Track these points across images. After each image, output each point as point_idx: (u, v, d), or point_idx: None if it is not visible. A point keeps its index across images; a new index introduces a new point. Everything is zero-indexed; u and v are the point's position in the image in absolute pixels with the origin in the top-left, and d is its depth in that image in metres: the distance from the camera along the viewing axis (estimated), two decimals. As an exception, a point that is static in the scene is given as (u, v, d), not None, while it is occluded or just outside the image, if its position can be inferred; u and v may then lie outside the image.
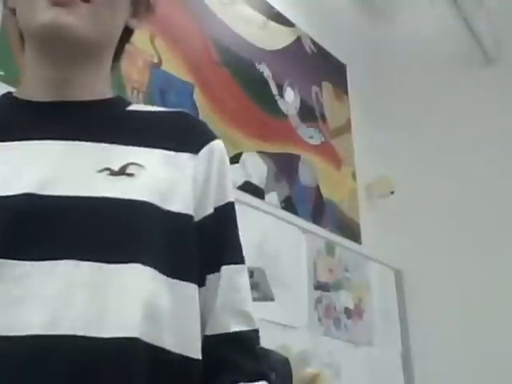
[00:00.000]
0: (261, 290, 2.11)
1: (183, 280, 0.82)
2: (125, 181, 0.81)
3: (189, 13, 3.07)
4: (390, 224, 4.09)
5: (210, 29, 3.17)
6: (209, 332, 0.85)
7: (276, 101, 3.51)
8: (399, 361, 3.86)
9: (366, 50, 4.55)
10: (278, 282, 2.90)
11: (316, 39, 4.04)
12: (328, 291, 3.39)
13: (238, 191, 2.99)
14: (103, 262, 0.74)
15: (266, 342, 2.10)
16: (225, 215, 0.92)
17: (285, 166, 3.39)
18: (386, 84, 4.49)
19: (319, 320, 3.25)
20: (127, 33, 1.01)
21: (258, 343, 0.90)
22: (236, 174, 3.02)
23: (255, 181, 3.14)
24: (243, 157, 3.11)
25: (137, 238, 0.78)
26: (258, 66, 3.44)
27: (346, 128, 4.11)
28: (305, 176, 3.53)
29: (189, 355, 0.80)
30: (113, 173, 0.81)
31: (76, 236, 0.76)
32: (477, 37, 4.05)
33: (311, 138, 3.71)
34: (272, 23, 3.68)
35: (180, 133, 0.92)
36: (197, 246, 0.85)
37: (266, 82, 3.47)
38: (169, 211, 0.82)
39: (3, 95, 0.97)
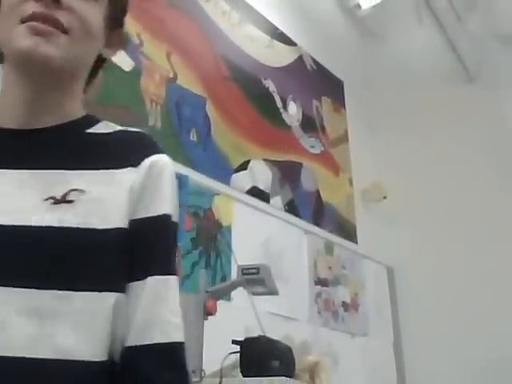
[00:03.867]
0: (266, 285, 2.06)
1: (109, 291, 0.76)
2: (63, 208, 0.76)
3: (201, 33, 3.05)
4: (383, 225, 4.10)
5: (220, 47, 3.14)
6: (129, 343, 0.76)
7: (280, 113, 3.48)
8: (391, 349, 3.85)
9: (362, 68, 4.53)
10: (281, 278, 2.87)
11: (316, 58, 4.02)
12: (327, 286, 3.36)
13: (246, 195, 2.97)
14: (34, 289, 0.71)
15: (272, 332, 2.08)
16: (155, 226, 0.82)
17: (288, 173, 3.36)
18: (379, 99, 4.47)
19: (319, 313, 3.22)
20: (101, 60, 0.98)
21: (180, 355, 0.79)
22: (244, 180, 3.00)
23: (261, 186, 3.11)
24: (251, 164, 3.08)
25: (66, 265, 0.74)
26: (263, 82, 3.41)
27: (343, 138, 4.09)
28: (306, 182, 3.49)
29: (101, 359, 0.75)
30: (55, 201, 0.77)
31: (9, 263, 0.72)
32: (460, 57, 4.07)
33: (312, 147, 3.68)
34: (276, 43, 3.66)
35: (126, 150, 0.86)
36: (126, 254, 0.79)
37: (271, 96, 3.45)
38: (103, 229, 0.76)
39: None
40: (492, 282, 3.60)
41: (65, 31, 0.83)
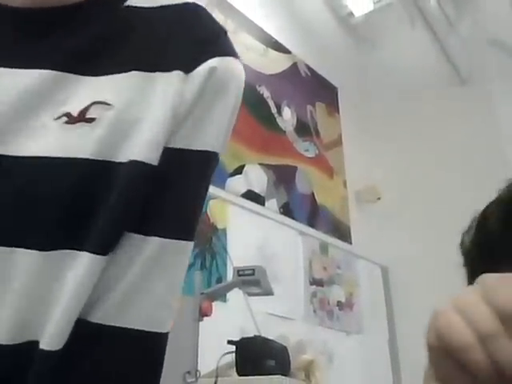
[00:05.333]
0: (262, 286, 2.05)
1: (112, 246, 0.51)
2: (79, 131, 0.51)
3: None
4: (376, 226, 4.08)
5: (216, 56, 3.14)
6: (96, 318, 0.49)
7: (275, 118, 3.48)
8: (386, 347, 3.83)
9: (355, 74, 4.53)
10: (277, 279, 2.86)
11: (310, 65, 4.02)
12: (322, 286, 3.35)
13: (241, 198, 2.97)
14: (37, 250, 0.49)
15: (267, 332, 2.07)
16: (192, 166, 0.54)
17: (283, 176, 3.35)
18: (372, 103, 4.47)
19: (314, 312, 3.21)
20: None
21: (161, 351, 0.52)
22: (239, 184, 2.99)
23: (257, 189, 3.10)
24: (246, 168, 3.07)
25: (77, 215, 0.49)
26: (258, 88, 3.41)
27: (337, 142, 4.08)
28: (301, 184, 3.49)
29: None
30: (71, 119, 0.51)
31: (3, 213, 0.49)
32: (452, 61, 4.06)
33: (307, 150, 3.67)
34: (271, 50, 3.66)
35: (176, 42, 0.56)
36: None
37: (265, 102, 3.44)
38: (120, 163, 0.50)
39: None
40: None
41: None
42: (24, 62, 0.54)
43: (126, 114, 0.52)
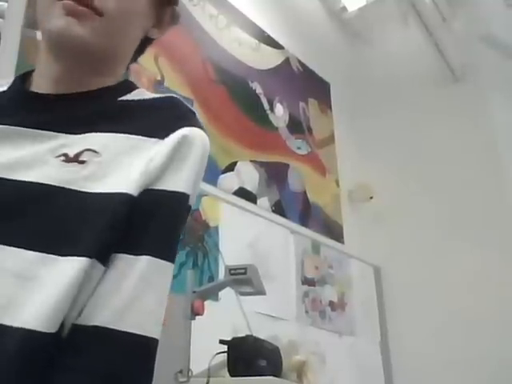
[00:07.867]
0: (254, 285, 2.06)
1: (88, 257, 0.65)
2: (73, 168, 0.70)
3: (189, 36, 3.05)
4: (369, 225, 4.09)
5: (207, 50, 3.15)
6: (96, 322, 0.63)
7: (267, 115, 3.49)
8: (378, 348, 3.84)
9: (348, 70, 4.55)
10: (268, 278, 2.87)
11: (303, 60, 4.03)
12: (314, 286, 3.36)
13: (233, 196, 2.97)
14: (25, 249, 0.64)
15: (259, 332, 2.08)
16: (168, 202, 0.72)
17: (275, 174, 3.36)
18: (365, 101, 4.48)
19: (306, 312, 3.22)
20: (147, 40, 0.92)
21: (150, 353, 0.66)
22: (231, 181, 3.00)
23: (248, 187, 3.11)
24: (238, 165, 3.08)
25: (69, 227, 0.66)
26: (250, 84, 3.41)
27: (330, 140, 4.10)
28: (293, 182, 3.50)
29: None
30: (67, 159, 0.71)
31: (3, 221, 0.66)
32: (445, 58, 4.08)
33: (299, 148, 3.68)
34: (263, 46, 3.67)
35: (155, 119, 0.78)
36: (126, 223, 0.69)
37: (258, 98, 3.45)
38: (105, 194, 0.68)
39: (20, 76, 0.85)
40: (478, 280, 3.60)
41: (99, 13, 0.76)
42: (41, 126, 0.75)
43: (109, 161, 0.71)
